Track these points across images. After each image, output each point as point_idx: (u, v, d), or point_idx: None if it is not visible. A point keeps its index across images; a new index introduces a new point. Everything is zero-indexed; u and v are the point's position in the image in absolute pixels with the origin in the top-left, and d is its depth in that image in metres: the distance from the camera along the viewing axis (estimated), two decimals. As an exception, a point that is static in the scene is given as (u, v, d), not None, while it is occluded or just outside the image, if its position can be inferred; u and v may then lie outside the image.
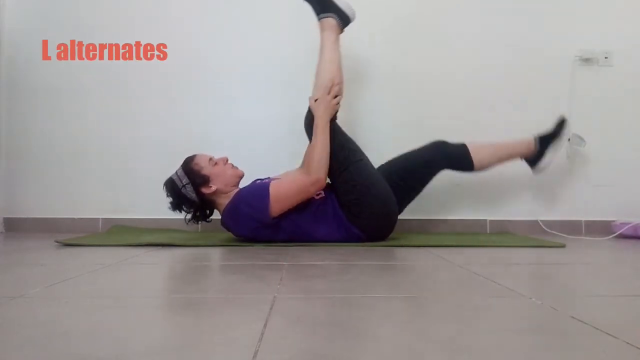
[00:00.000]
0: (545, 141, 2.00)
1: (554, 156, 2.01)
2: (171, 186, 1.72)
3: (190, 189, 1.71)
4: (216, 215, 1.81)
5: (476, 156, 1.91)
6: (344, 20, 1.86)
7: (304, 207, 1.71)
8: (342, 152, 1.73)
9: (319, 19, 1.86)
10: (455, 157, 1.91)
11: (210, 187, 1.71)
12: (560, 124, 2.03)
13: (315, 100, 1.76)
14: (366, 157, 1.80)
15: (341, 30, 1.87)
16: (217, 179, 1.72)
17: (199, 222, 1.82)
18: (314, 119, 1.73)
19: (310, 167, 1.68)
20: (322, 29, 1.86)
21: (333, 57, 1.82)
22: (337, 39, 1.85)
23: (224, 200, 1.72)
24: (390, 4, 2.33)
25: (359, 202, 1.70)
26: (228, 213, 1.70)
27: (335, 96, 1.78)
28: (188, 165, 1.73)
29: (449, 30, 2.35)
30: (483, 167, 1.96)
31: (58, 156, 2.26)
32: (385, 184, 1.77)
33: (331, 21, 1.84)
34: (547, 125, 2.34)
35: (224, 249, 1.59)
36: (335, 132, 1.76)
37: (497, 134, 2.33)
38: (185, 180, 1.71)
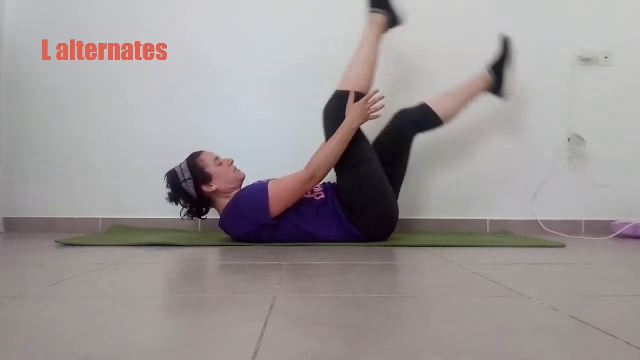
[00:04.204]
0: (498, 67, 2.00)
1: (513, 76, 2.02)
2: (172, 178, 1.73)
3: (191, 185, 1.70)
4: (215, 215, 1.80)
5: (439, 109, 1.90)
6: (393, 21, 1.87)
7: (304, 209, 1.71)
8: (355, 149, 1.73)
9: (370, 12, 1.87)
10: (420, 119, 1.90)
11: (211, 186, 1.71)
12: (505, 44, 2.01)
13: (356, 100, 1.72)
14: (376, 158, 1.79)
15: (386, 30, 1.88)
16: (219, 179, 1.72)
17: (193, 218, 1.81)
18: (344, 121, 1.69)
19: (312, 163, 1.68)
20: (370, 23, 1.86)
21: (370, 55, 1.83)
22: (379, 37, 1.87)
23: (223, 201, 1.73)
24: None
25: (362, 202, 1.70)
26: (227, 214, 1.70)
27: (375, 110, 1.71)
28: (193, 161, 1.73)
29: (448, 30, 2.35)
30: (450, 117, 1.95)
31: (58, 156, 2.26)
32: (389, 186, 1.77)
33: (380, 18, 1.85)
34: (546, 124, 2.35)
35: (224, 249, 1.59)
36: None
37: (497, 135, 2.34)
38: (187, 175, 1.71)
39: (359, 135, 1.77)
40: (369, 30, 1.85)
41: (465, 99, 1.98)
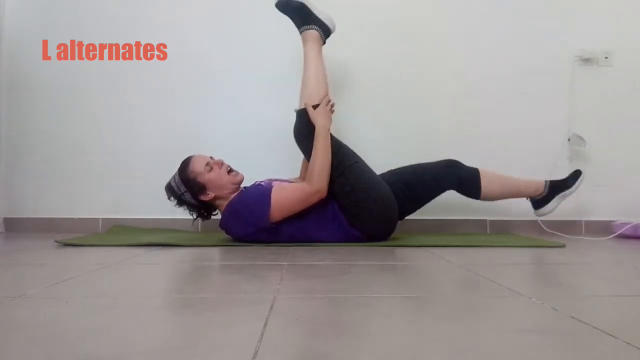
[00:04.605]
0: (556, 188, 1.96)
1: (558, 205, 1.97)
2: (170, 193, 1.74)
3: (189, 196, 1.71)
4: (216, 215, 1.81)
5: (486, 186, 1.88)
6: (326, 32, 1.88)
7: (304, 211, 1.70)
8: (336, 157, 1.73)
9: (301, 32, 1.88)
10: (465, 181, 1.87)
11: (208, 194, 1.71)
12: (575, 176, 1.98)
13: (315, 107, 1.76)
14: (361, 159, 1.79)
15: (323, 42, 1.90)
16: (214, 187, 1.71)
17: (204, 220, 1.83)
18: (315, 129, 1.72)
19: (312, 177, 1.67)
20: (305, 41, 1.88)
21: (318, 69, 1.84)
22: (320, 51, 1.88)
23: (223, 202, 1.73)
24: (382, 7, 2.33)
25: (357, 205, 1.70)
26: (228, 215, 1.70)
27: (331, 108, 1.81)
28: (184, 173, 1.72)
29: (448, 31, 2.35)
30: (488, 198, 1.93)
31: (58, 156, 2.26)
32: (385, 185, 1.77)
33: (314, 33, 1.86)
34: (546, 124, 2.35)
35: (224, 249, 1.59)
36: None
37: (497, 135, 2.33)
38: (182, 189, 1.71)
39: (336, 144, 1.77)
40: (308, 47, 1.86)
41: (511, 194, 1.96)
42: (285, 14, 1.90)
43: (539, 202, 1.98)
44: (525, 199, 2.01)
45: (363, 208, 1.70)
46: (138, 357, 0.55)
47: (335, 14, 1.91)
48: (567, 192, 1.96)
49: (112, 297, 0.88)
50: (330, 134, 1.76)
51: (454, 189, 1.90)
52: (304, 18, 1.86)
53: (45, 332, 0.64)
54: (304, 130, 1.78)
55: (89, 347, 0.58)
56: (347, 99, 2.26)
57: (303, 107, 1.79)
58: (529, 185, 1.97)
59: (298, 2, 1.85)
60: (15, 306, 0.79)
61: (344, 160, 1.74)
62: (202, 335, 0.64)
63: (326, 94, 1.83)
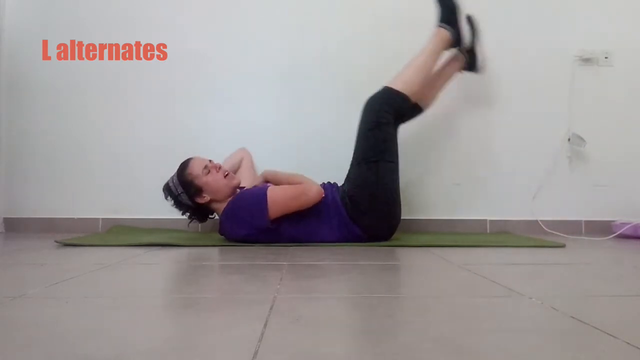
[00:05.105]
0: (471, 44, 2.01)
1: (482, 48, 2.03)
2: (168, 193, 1.75)
3: (185, 198, 1.72)
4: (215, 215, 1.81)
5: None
6: (456, 42, 1.91)
7: (304, 209, 1.71)
8: (383, 145, 1.76)
9: (438, 26, 1.91)
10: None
11: (204, 197, 1.72)
12: (471, 21, 1.99)
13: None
14: (397, 163, 1.81)
15: (448, 48, 1.92)
16: (210, 190, 1.72)
17: (200, 223, 1.83)
18: (270, 182, 1.78)
19: (304, 184, 1.72)
20: (434, 35, 1.90)
21: (427, 64, 1.85)
22: (439, 51, 1.90)
23: (221, 205, 1.73)
24: (383, 5, 2.32)
25: (370, 199, 1.71)
26: (226, 218, 1.70)
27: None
28: (182, 174, 1.73)
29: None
30: (425, 96, 1.92)
31: (58, 156, 2.26)
32: (399, 195, 1.79)
33: (446, 34, 1.89)
34: (546, 124, 2.35)
35: (224, 249, 1.59)
36: (389, 126, 1.78)
37: (497, 135, 2.33)
38: (179, 190, 1.72)
39: (390, 137, 1.79)
40: (432, 41, 1.89)
41: (431, 67, 1.91)
42: (438, 2, 1.92)
43: (471, 65, 2.03)
44: (460, 73, 2.06)
45: (373, 204, 1.71)
46: (138, 357, 0.55)
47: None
48: (477, 36, 2.00)
49: (112, 297, 0.88)
50: (394, 128, 1.80)
51: (396, 121, 1.83)
52: (448, 17, 1.90)
53: (45, 332, 0.64)
54: (376, 106, 1.78)
55: (89, 347, 0.58)
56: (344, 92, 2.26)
57: (392, 87, 1.79)
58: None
59: (456, 2, 1.90)
60: (15, 306, 0.79)
61: (385, 154, 1.76)
62: (202, 335, 0.64)
63: (418, 91, 1.83)
